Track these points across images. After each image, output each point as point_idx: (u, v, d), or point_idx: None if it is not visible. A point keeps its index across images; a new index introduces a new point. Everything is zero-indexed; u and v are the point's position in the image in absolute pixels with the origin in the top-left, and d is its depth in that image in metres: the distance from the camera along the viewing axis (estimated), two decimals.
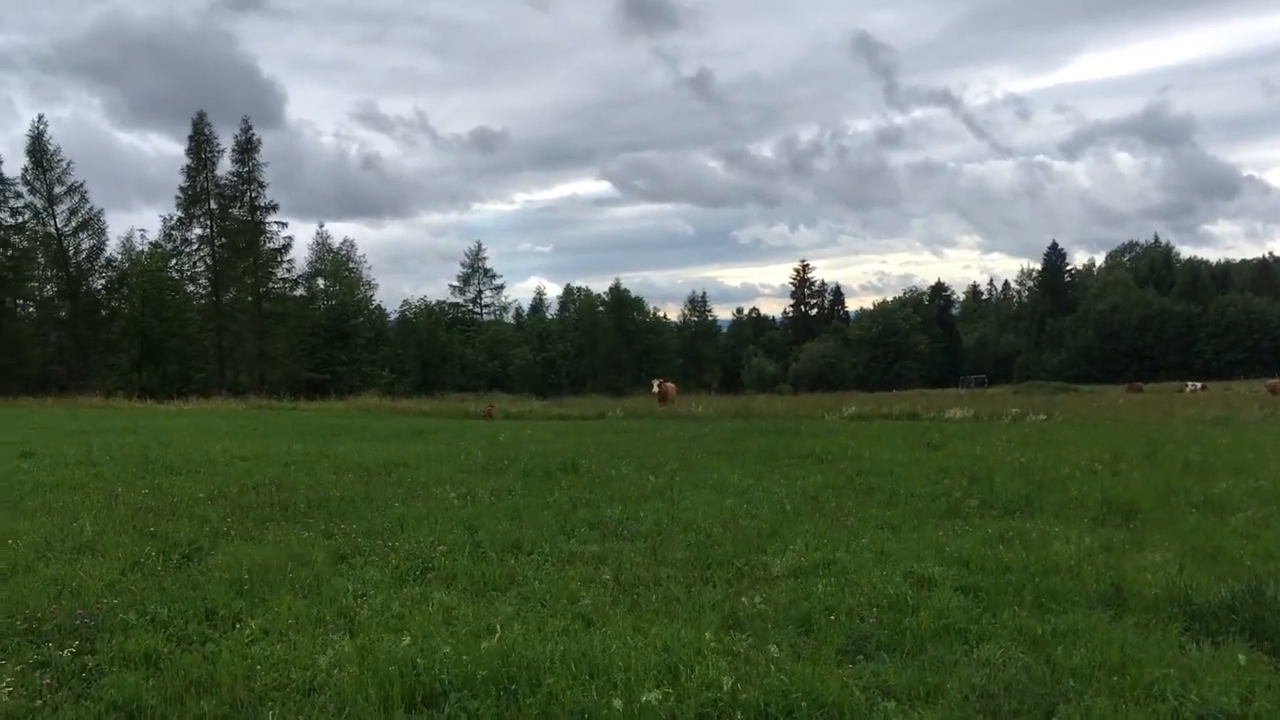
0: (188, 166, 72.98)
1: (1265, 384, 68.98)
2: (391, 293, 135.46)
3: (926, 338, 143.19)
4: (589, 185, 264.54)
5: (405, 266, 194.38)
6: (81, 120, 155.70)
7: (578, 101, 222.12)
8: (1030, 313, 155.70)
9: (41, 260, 66.44)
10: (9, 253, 64.66)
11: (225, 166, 74.87)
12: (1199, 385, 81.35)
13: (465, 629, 7.14)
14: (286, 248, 77.30)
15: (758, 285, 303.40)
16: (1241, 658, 6.51)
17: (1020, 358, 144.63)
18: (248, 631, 7.14)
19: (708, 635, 6.76)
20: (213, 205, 73.58)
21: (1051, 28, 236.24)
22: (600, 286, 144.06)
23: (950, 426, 31.66)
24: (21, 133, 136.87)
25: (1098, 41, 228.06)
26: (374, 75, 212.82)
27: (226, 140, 74.68)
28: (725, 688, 5.74)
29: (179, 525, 11.27)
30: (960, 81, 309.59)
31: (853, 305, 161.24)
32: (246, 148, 75.03)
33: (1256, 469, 16.82)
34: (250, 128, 76.11)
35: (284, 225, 78.34)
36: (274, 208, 76.36)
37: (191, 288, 75.13)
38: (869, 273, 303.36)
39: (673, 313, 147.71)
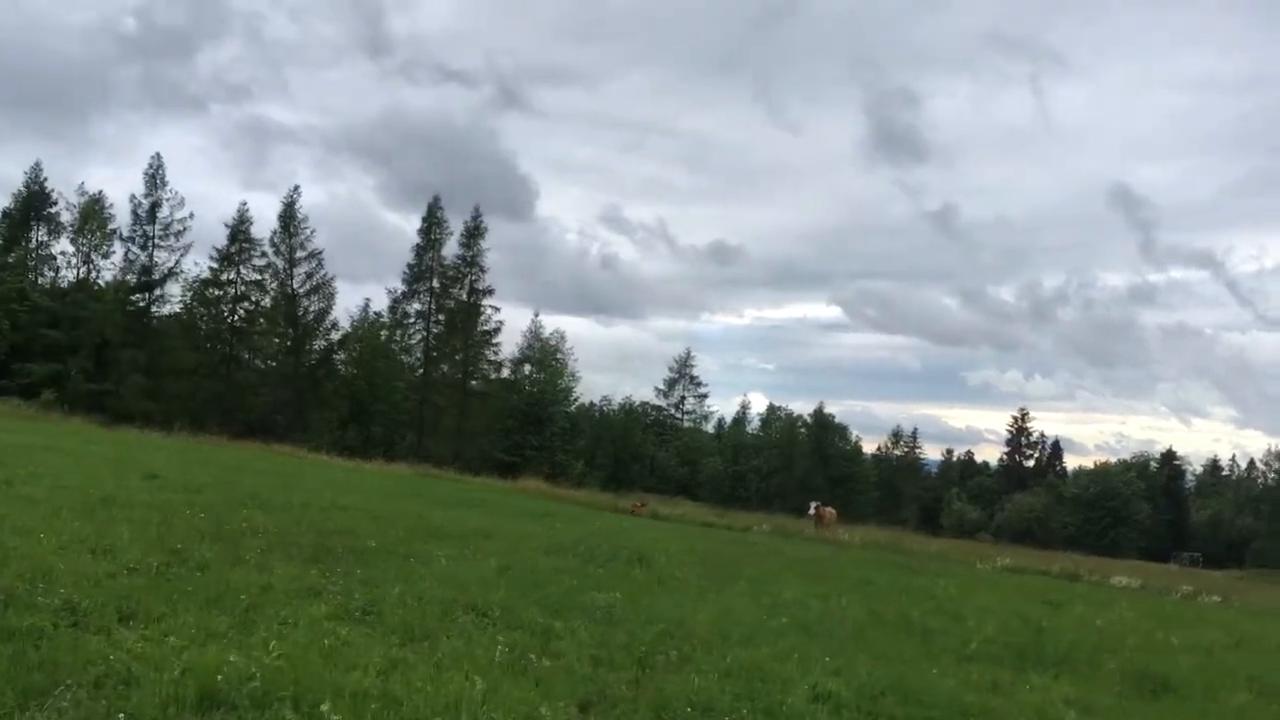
0: (417, 245, 78.42)
1: None
2: (614, 390, 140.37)
3: (1149, 506, 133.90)
4: (820, 309, 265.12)
5: (629, 367, 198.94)
6: (356, 198, 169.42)
7: (817, 225, 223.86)
8: (1273, 496, 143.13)
9: (273, 316, 72.45)
10: (245, 305, 71.10)
11: (453, 249, 79.89)
12: None
13: (339, 659, 7.49)
14: (497, 330, 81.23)
15: (983, 430, 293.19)
16: None
17: (1256, 543, 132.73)
18: (141, 632, 7.71)
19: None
20: (435, 284, 78.46)
21: None
22: (810, 409, 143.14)
23: (1099, 593, 29.67)
24: (302, 202, 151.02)
25: None
26: (624, 181, 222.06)
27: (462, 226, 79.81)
28: None
29: (206, 548, 12.10)
30: (1226, 244, 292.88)
31: (1082, 463, 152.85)
32: (474, 233, 79.79)
33: None
34: (479, 215, 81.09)
35: (497, 309, 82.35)
36: (490, 292, 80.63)
37: (406, 358, 79.75)
38: (1105, 432, 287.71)
39: (876, 446, 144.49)
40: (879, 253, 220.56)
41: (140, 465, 22.19)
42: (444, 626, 9.39)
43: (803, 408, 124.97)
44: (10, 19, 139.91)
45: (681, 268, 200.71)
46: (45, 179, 71.42)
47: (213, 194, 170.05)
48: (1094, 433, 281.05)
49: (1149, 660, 13.61)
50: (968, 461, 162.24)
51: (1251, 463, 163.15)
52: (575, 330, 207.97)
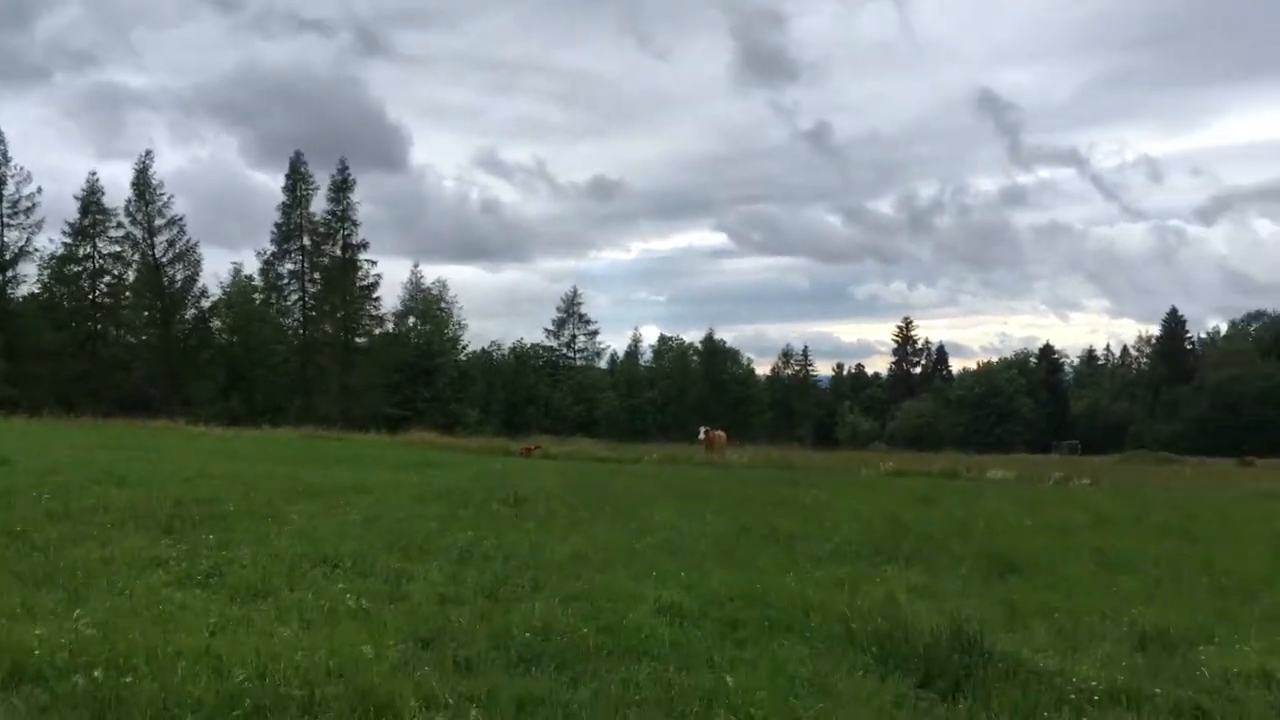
0: (283, 204, 76.17)
1: None
2: (507, 335, 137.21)
3: (1031, 401, 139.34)
4: (705, 236, 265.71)
5: (521, 309, 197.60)
6: (220, 160, 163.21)
7: (696, 153, 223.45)
8: (1146, 381, 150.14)
9: (137, 288, 69.80)
10: (106, 280, 68.29)
11: (322, 205, 77.83)
12: None
13: (172, 623, 7.32)
14: (375, 285, 79.77)
15: (874, 342, 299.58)
16: None
17: (1132, 427, 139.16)
18: None
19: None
20: (306, 242, 76.46)
21: (1189, 90, 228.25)
22: (704, 337, 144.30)
23: (975, 486, 30.78)
24: (162, 169, 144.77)
25: (1238, 104, 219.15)
26: (498, 123, 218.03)
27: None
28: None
29: (51, 528, 11.63)
30: (1089, 141, 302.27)
31: (968, 366, 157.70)
32: (342, 187, 77.85)
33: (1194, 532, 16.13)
34: (346, 168, 79.17)
35: (374, 263, 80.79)
36: (365, 245, 79.03)
37: (285, 321, 77.82)
38: (989, 333, 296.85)
39: (770, 368, 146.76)
40: (759, 176, 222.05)
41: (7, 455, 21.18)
42: (291, 582, 9.21)
43: (697, 336, 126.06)
44: None
45: (564, 207, 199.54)
46: None
47: (66, 167, 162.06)
48: (978, 335, 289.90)
49: (999, 543, 14.16)
50: (859, 374, 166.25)
51: (1125, 350, 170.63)
52: (463, 278, 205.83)
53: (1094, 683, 7.12)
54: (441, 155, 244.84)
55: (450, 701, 5.87)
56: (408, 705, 5.68)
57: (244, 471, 20.86)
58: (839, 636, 8.07)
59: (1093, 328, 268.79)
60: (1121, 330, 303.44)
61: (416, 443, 42.32)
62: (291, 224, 76.44)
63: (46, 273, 68.24)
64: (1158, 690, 7.12)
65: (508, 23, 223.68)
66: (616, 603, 8.78)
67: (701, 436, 43.91)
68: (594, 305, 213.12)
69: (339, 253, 78.06)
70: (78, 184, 69.18)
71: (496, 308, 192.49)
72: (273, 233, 76.76)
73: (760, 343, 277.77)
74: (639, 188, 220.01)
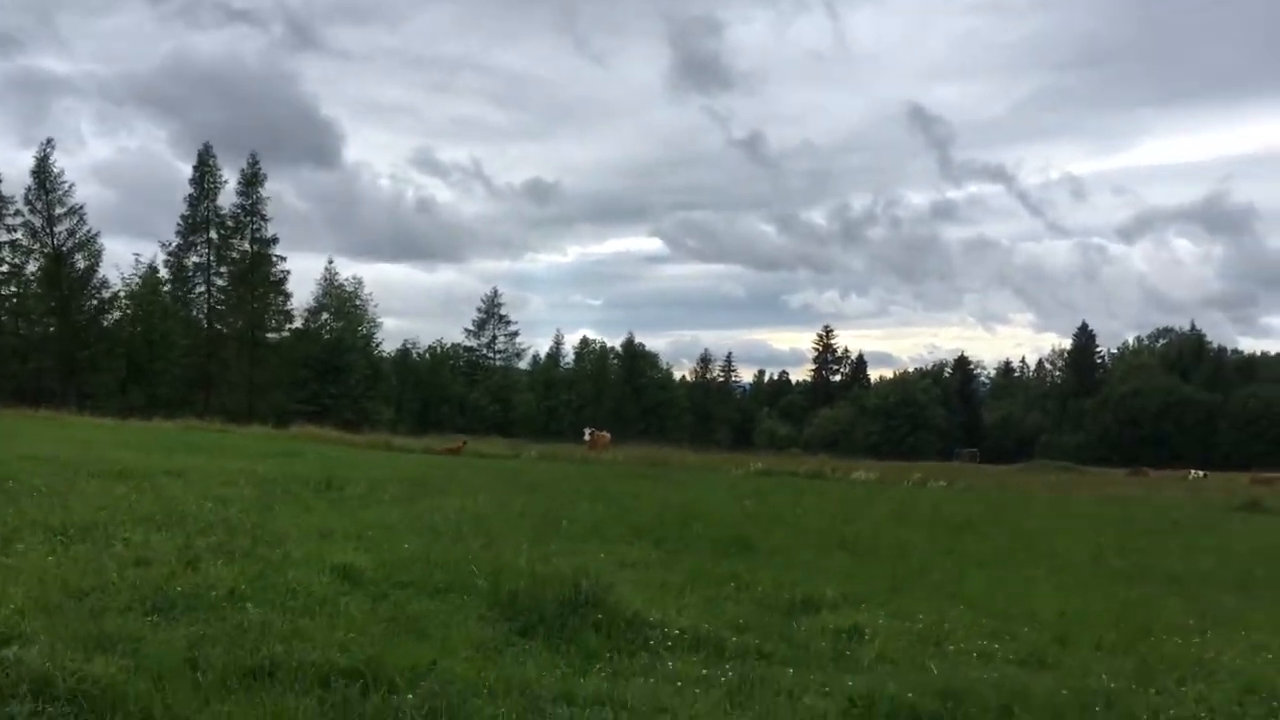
0: (190, 196, 75.64)
1: (1249, 475, 67.76)
2: (441, 335, 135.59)
3: (944, 411, 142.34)
4: (641, 242, 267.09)
5: (456, 310, 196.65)
6: (148, 150, 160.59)
7: (632, 158, 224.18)
8: (1057, 393, 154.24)
9: (36, 277, 68.99)
10: (3, 268, 67.39)
11: (230, 198, 77.41)
12: (1201, 473, 79.76)
13: None
14: (283, 280, 79.45)
15: (807, 350, 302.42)
16: None
17: (1043, 438, 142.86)
18: None
19: None
20: (213, 235, 75.98)
21: (1115, 112, 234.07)
22: (653, 342, 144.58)
23: (821, 486, 31.93)
24: (88, 160, 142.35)
25: (1162, 127, 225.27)
26: (434, 122, 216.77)
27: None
28: None
29: None
30: (1016, 158, 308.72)
31: (889, 375, 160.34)
32: (252, 180, 77.54)
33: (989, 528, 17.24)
34: (257, 161, 78.90)
35: (283, 259, 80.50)
36: (274, 240, 78.74)
37: (189, 314, 77.18)
38: (918, 345, 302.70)
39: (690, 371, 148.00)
40: (694, 183, 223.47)
41: None
42: None
43: (636, 340, 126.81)
44: None
45: (500, 207, 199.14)
46: None
47: None
48: (908, 346, 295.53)
49: (757, 529, 15.09)
50: (781, 381, 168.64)
51: (1040, 363, 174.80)
52: (396, 277, 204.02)
53: (682, 633, 7.99)
54: (376, 153, 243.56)
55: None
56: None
57: (74, 455, 21.16)
58: (486, 593, 8.85)
59: (1018, 341, 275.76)
60: (1045, 344, 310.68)
61: (301, 436, 42.49)
62: (198, 216, 75.93)
63: None
64: (734, 638, 8.02)
65: (445, 21, 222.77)
66: (297, 566, 9.45)
67: (586, 437, 44.86)
68: (530, 308, 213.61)
69: (247, 247, 77.66)
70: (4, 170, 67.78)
71: (431, 307, 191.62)
72: (179, 225, 76.25)
73: (694, 349, 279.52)
74: (576, 191, 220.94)
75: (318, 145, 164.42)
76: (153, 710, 5.49)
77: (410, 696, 5.97)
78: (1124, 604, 11.41)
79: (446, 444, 43.15)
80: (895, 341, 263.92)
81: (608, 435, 46.50)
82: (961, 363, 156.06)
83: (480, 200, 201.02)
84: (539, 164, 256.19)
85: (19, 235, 68.08)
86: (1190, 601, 11.95)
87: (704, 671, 7.13)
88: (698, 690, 6.65)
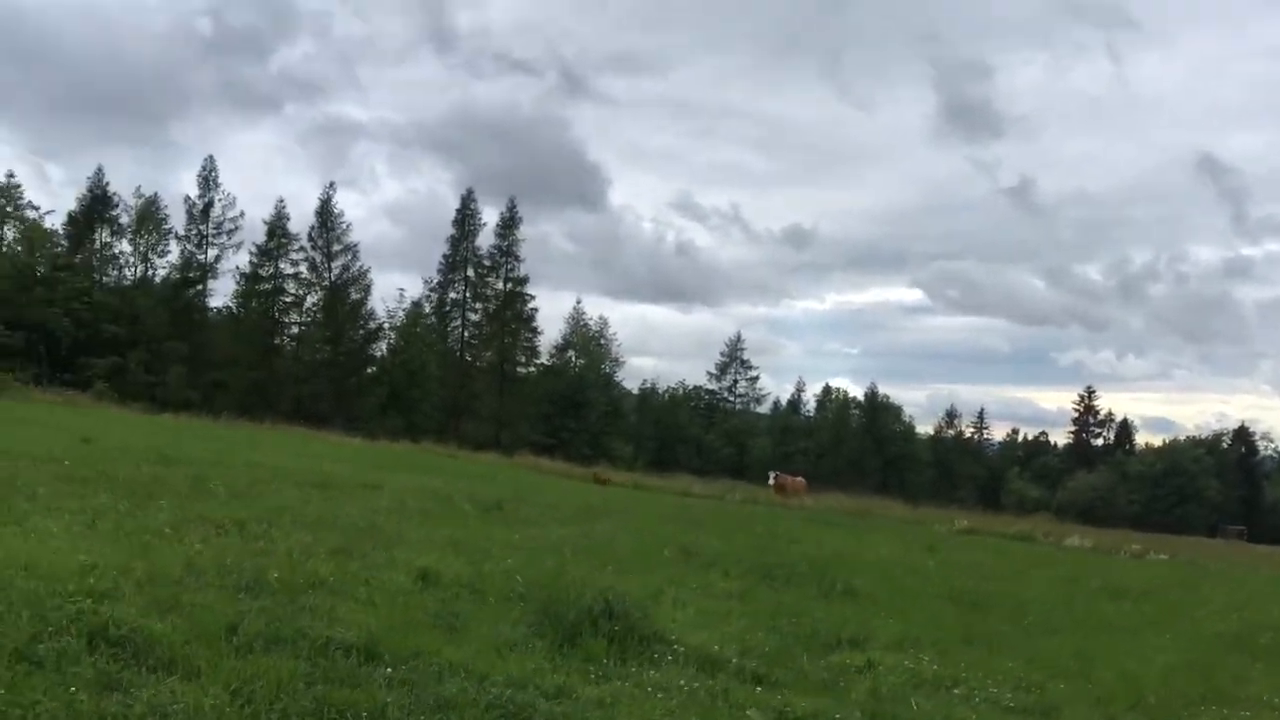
0: (452, 236, 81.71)
1: None
2: (697, 377, 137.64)
3: (1218, 483, 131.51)
4: (901, 292, 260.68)
5: (710, 353, 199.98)
6: (434, 192, 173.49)
7: (893, 205, 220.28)
8: None
9: (314, 308, 76.55)
10: (286, 298, 75.19)
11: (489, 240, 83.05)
12: None
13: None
14: (532, 317, 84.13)
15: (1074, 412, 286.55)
16: None
17: None
18: None
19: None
20: (470, 273, 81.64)
21: None
22: (911, 395, 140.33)
23: (1015, 548, 30.93)
24: (382, 198, 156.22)
25: None
26: (696, 167, 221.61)
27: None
28: None
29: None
30: None
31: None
32: (509, 224, 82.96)
33: None
34: (514, 206, 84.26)
35: (532, 297, 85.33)
36: (525, 280, 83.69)
37: (448, 346, 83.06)
38: (1206, 412, 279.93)
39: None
40: (958, 232, 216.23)
41: (95, 435, 24.94)
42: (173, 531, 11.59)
43: (894, 392, 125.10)
44: (85, 25, 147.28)
45: (759, 252, 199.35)
46: (107, 183, 75.97)
47: (296, 192, 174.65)
48: (1194, 412, 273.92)
49: (856, 577, 15.26)
50: (1037, 442, 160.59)
51: None
52: (656, 318, 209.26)
53: (690, 650, 8.67)
54: (640, 197, 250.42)
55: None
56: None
57: (295, 466, 23.85)
58: (532, 601, 9.81)
59: None
60: None
61: (518, 464, 45.23)
62: (458, 255, 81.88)
63: (237, 289, 75.73)
64: (735, 660, 8.61)
65: (711, 70, 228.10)
66: (392, 568, 10.76)
67: (771, 481, 45.11)
68: (785, 354, 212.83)
69: (501, 285, 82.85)
70: (299, 208, 76.17)
71: (687, 348, 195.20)
72: (440, 263, 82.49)
73: (953, 403, 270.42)
74: (834, 237, 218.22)
75: (585, 188, 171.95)
76: (175, 658, 6.77)
77: (389, 670, 7.01)
78: (1202, 669, 11.04)
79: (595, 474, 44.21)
80: (1176, 407, 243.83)
81: (803, 480, 46.48)
82: (1242, 433, 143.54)
83: (739, 244, 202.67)
84: (798, 210, 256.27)
85: (302, 269, 75.88)
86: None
87: (680, 683, 7.78)
88: (660, 695, 7.34)
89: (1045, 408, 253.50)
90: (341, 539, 12.49)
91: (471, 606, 9.45)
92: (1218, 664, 11.73)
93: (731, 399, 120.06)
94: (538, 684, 7.20)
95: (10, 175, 70.95)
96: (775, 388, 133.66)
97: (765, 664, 8.73)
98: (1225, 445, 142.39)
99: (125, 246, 76.44)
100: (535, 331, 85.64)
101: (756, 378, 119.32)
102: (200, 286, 74.43)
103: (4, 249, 70.40)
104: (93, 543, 10.10)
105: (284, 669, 6.73)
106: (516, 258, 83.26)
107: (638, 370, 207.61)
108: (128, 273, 76.63)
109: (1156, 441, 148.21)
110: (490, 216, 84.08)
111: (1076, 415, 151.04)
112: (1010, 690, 8.92)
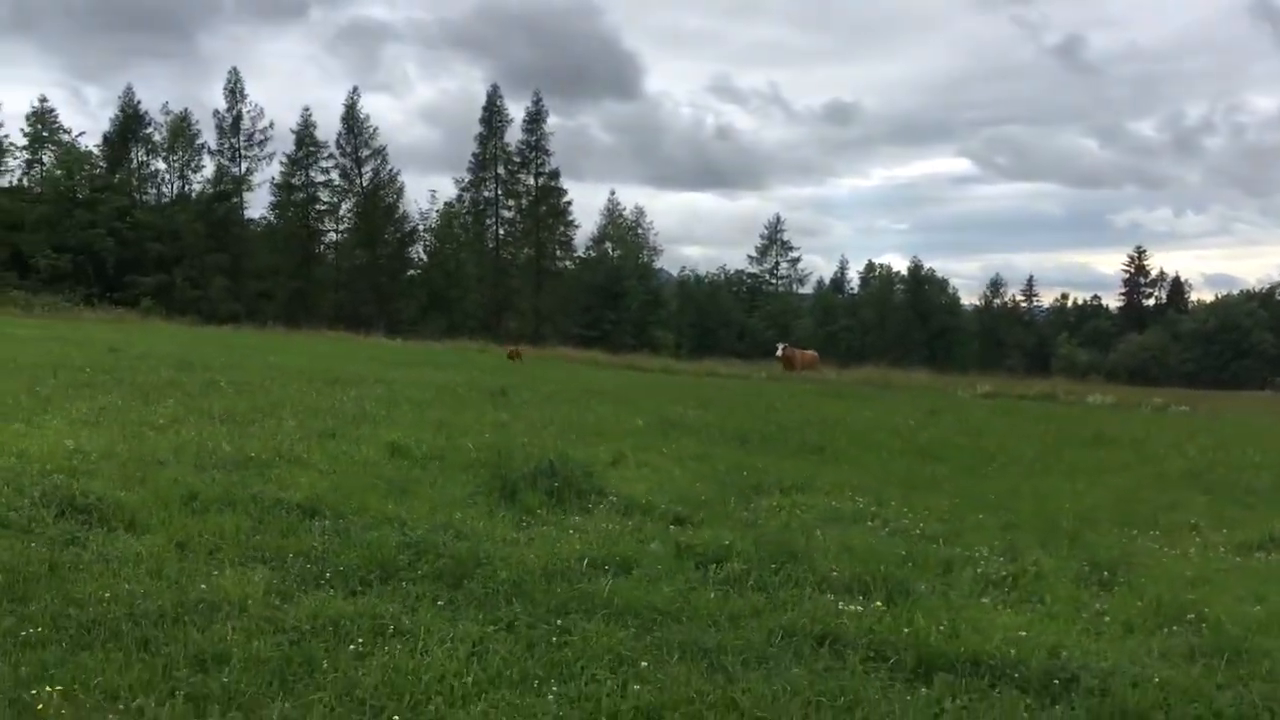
0: (480, 134, 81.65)
1: None
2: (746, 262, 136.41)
3: (1274, 337, 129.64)
4: (949, 163, 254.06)
5: (756, 236, 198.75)
6: (467, 92, 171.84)
7: (936, 74, 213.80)
8: None
9: (347, 214, 77.58)
10: (320, 206, 76.20)
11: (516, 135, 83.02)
12: None
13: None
14: (566, 212, 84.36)
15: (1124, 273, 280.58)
16: None
17: None
18: None
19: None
20: (500, 170, 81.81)
21: None
22: (963, 266, 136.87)
23: (1030, 407, 31.26)
24: (416, 101, 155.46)
25: None
26: (734, 48, 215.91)
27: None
28: None
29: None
30: None
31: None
32: (536, 118, 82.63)
33: None
34: (540, 100, 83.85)
35: (565, 191, 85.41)
36: (556, 174, 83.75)
37: (484, 245, 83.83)
38: (1269, 265, 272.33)
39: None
40: (1004, 97, 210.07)
41: (121, 346, 26.08)
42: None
43: (941, 265, 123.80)
44: None
45: (800, 132, 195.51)
46: (139, 101, 76.48)
47: (327, 99, 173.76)
48: (1257, 266, 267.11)
49: (831, 438, 15.92)
50: (1090, 306, 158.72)
51: None
52: (701, 205, 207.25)
53: (623, 501, 9.43)
54: (676, 82, 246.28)
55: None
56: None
57: (314, 366, 24.86)
58: (486, 466, 10.62)
59: None
60: None
61: (549, 356, 46.34)
62: (487, 154, 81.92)
63: (273, 200, 76.84)
64: (663, 506, 9.35)
65: None
66: (366, 443, 11.64)
67: (778, 354, 45.10)
68: (834, 234, 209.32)
69: (532, 181, 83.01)
70: (330, 114, 76.17)
71: (732, 234, 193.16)
72: (469, 162, 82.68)
73: (1007, 272, 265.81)
74: (878, 112, 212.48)
75: (620, 78, 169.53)
76: (135, 519, 7.65)
77: (327, 523, 7.85)
78: (1135, 501, 11.66)
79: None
80: (1239, 262, 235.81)
81: (814, 354, 46.68)
82: None
83: (780, 125, 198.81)
84: (839, 86, 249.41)
85: (334, 177, 76.64)
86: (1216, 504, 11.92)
87: (603, 525, 8.55)
88: (575, 534, 8.12)
89: (1103, 271, 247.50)
90: (332, 424, 13.38)
91: (432, 475, 10.23)
92: (1157, 498, 12.26)
93: (774, 281, 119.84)
94: (458, 528, 8.00)
95: (43, 100, 71.71)
96: (826, 268, 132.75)
97: (691, 508, 9.46)
98: (1279, 298, 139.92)
99: (160, 165, 77.51)
100: (571, 225, 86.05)
101: (798, 259, 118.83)
102: (236, 199, 75.49)
103: (44, 173, 71.67)
104: (90, 434, 11.04)
105: (229, 524, 7.59)
106: (546, 152, 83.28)
107: (685, 259, 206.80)
108: (165, 190, 77.90)
109: (1200, 300, 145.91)
110: (521, 112, 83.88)
111: (1127, 276, 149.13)
112: (925, 522, 9.56)
